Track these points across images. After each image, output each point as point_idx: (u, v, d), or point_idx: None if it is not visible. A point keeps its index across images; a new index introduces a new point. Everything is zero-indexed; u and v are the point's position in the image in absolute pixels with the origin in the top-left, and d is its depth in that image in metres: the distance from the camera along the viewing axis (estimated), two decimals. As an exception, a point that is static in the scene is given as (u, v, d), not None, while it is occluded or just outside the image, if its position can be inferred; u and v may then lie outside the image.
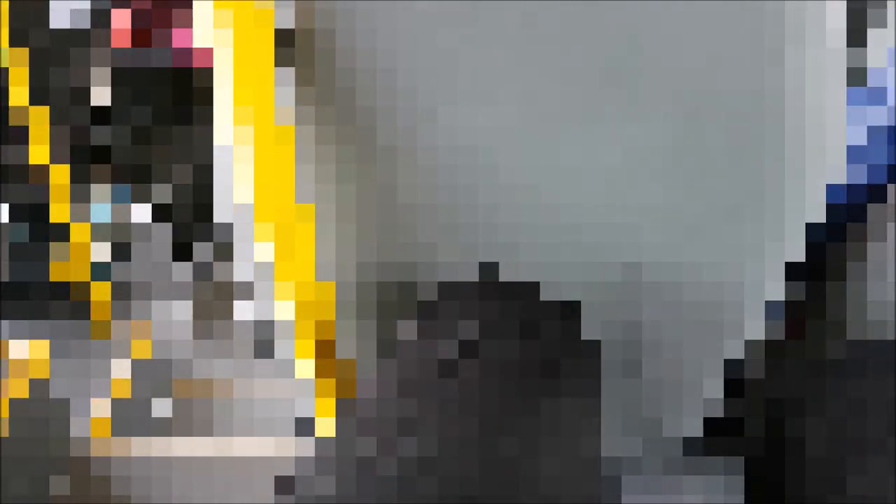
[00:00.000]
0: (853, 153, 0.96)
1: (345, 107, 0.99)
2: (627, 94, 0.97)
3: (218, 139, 0.99)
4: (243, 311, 0.98)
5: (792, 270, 0.96)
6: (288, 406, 0.98)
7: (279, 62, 0.99)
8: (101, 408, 0.97)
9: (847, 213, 0.95)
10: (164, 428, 0.96)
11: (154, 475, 0.96)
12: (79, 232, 0.99)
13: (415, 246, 0.99)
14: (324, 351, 0.99)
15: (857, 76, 0.96)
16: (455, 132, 0.98)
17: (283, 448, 0.97)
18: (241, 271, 0.98)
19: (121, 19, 0.99)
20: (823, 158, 0.96)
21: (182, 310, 0.97)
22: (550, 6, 0.96)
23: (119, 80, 0.99)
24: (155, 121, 0.98)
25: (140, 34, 0.99)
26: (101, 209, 0.99)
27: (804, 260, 0.96)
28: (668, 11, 0.96)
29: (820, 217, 0.96)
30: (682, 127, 0.96)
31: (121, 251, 0.98)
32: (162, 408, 0.96)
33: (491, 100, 0.98)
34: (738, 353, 0.96)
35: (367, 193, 1.00)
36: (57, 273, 0.98)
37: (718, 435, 0.95)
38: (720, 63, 0.96)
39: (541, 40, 0.97)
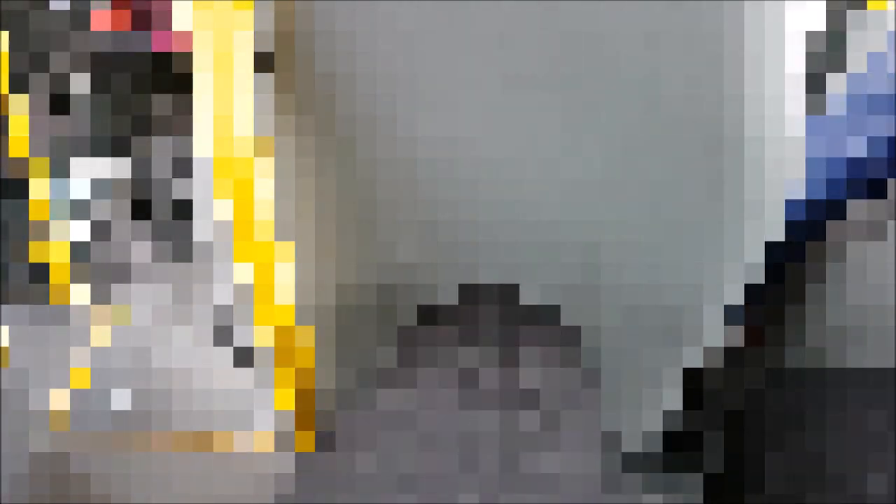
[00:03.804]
0: (812, 166, 0.95)
1: (322, 114, 0.99)
2: (593, 106, 0.96)
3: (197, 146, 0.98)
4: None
5: (752, 277, 0.96)
6: (247, 399, 0.98)
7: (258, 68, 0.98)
8: (60, 400, 0.97)
9: (807, 231, 0.95)
10: (123, 421, 0.96)
11: (114, 472, 0.96)
12: (37, 210, 0.98)
13: (389, 251, 0.99)
14: (283, 359, 0.99)
15: (817, 101, 0.95)
16: (420, 140, 0.98)
17: (243, 444, 0.98)
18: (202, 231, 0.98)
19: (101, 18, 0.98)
20: (782, 171, 0.95)
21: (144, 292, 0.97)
22: (521, 18, 0.95)
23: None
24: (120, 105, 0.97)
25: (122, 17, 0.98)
26: (60, 195, 0.98)
27: (764, 267, 0.96)
28: (630, 24, 0.95)
29: (779, 233, 0.95)
30: (645, 136, 0.96)
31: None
32: (121, 400, 0.96)
33: (458, 109, 0.97)
34: (697, 361, 0.96)
35: (335, 193, 1.00)
36: (16, 255, 0.98)
37: (678, 449, 0.95)
38: (682, 74, 0.95)
39: (512, 52, 0.96)
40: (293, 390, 0.98)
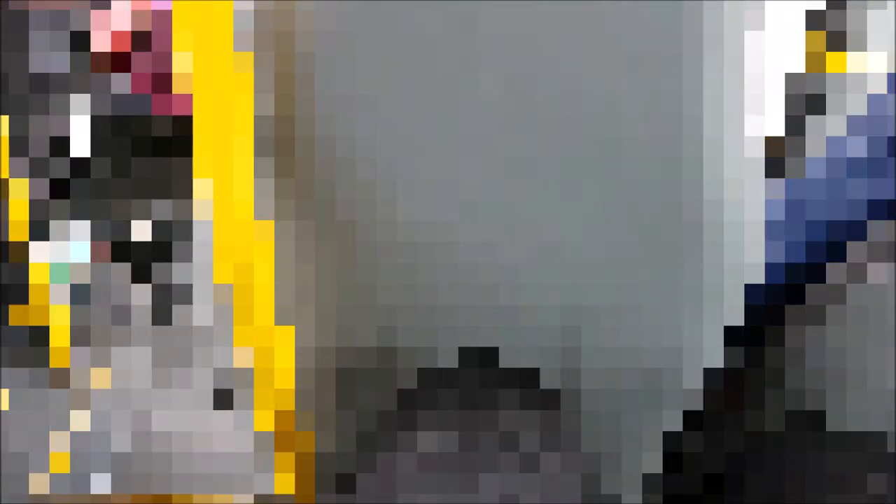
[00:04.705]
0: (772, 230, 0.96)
1: (307, 187, 1.02)
2: (572, 175, 0.98)
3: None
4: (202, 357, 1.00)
5: (730, 337, 0.96)
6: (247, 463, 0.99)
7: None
8: (60, 463, 0.99)
9: (785, 294, 0.95)
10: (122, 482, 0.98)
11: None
12: (37, 273, 1.00)
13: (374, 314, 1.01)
14: (282, 422, 1.01)
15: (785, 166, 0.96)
16: (413, 212, 1.00)
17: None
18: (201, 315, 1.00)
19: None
20: (760, 233, 0.96)
21: (141, 356, 0.99)
22: (500, 100, 0.98)
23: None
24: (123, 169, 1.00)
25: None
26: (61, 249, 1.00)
27: (742, 326, 0.96)
28: (607, 98, 0.96)
29: (758, 297, 0.96)
30: (623, 202, 0.97)
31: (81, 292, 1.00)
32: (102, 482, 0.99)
33: (450, 182, 1.00)
34: (676, 424, 0.96)
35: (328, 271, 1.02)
36: (16, 317, 1.00)
37: None
38: (658, 142, 0.96)
39: (494, 128, 0.98)
40: (293, 453, 1.01)
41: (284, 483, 1.00)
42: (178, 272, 0.99)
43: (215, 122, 1.00)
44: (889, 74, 0.96)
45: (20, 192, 1.00)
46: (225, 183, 1.00)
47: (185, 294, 0.99)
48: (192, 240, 0.99)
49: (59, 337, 0.99)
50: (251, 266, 1.00)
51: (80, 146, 1.00)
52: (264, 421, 0.99)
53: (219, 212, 1.00)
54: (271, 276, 1.00)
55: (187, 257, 0.99)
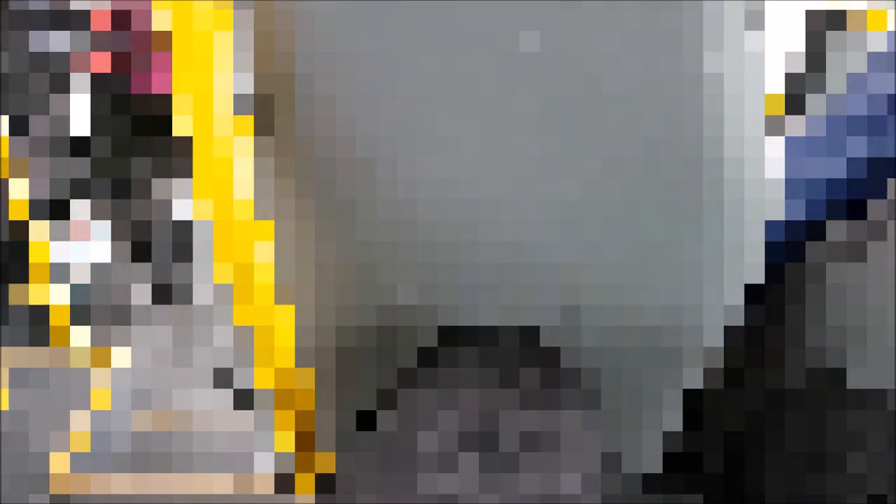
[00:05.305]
0: (792, 188, 0.95)
1: (304, 153, 1.01)
2: (580, 139, 0.98)
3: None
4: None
5: (749, 296, 0.95)
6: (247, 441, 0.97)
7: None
8: (60, 443, 0.97)
9: (786, 251, 0.95)
10: (125, 463, 0.96)
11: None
12: (38, 252, 0.99)
13: (375, 290, 1.00)
14: (283, 401, 0.99)
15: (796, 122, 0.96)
16: (415, 177, 1.00)
17: (243, 485, 0.96)
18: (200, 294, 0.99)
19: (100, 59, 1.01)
20: (763, 194, 0.96)
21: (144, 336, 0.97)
22: (507, 63, 0.99)
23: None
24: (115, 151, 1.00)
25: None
26: (62, 247, 1.00)
27: (760, 284, 0.95)
28: (615, 66, 0.97)
29: (759, 254, 0.95)
30: (630, 169, 0.97)
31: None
32: (122, 442, 0.96)
33: (453, 145, 1.00)
34: (696, 382, 0.94)
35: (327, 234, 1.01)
36: (16, 297, 0.99)
37: (677, 470, 0.93)
38: (664, 108, 0.96)
39: (497, 95, 0.99)
40: (293, 433, 0.98)
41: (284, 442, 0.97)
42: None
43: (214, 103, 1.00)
44: (889, 32, 0.97)
45: (20, 192, 1.00)
46: (225, 161, 1.00)
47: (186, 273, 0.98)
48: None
49: (59, 316, 0.98)
50: (251, 246, 0.99)
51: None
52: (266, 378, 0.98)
53: (218, 207, 1.00)
54: (271, 255, 0.99)
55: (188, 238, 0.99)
